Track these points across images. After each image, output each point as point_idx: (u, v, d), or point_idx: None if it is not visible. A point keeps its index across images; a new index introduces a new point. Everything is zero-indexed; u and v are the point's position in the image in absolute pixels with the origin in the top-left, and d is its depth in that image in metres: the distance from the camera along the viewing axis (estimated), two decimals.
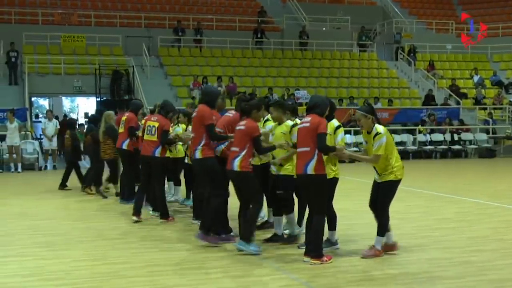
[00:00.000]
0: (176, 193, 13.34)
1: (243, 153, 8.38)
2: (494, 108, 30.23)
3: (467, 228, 10.25)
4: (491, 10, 37.79)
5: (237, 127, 8.56)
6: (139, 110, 12.97)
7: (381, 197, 8.19)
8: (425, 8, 38.86)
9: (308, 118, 8.02)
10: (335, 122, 8.48)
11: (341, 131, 8.44)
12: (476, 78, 32.56)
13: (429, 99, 29.21)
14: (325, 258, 7.87)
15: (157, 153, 10.69)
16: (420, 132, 26.22)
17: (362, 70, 31.95)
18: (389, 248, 8.39)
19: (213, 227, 8.91)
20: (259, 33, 31.47)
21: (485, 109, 29.89)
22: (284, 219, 9.19)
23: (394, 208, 12.30)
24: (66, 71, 27.21)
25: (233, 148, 8.51)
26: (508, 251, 8.56)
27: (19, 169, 20.84)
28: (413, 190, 14.70)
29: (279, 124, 9.04)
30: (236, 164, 8.36)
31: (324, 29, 34.35)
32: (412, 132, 26.49)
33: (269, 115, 9.32)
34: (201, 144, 9.00)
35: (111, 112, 14.07)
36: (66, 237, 9.58)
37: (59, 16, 29.73)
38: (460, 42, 35.01)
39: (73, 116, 36.79)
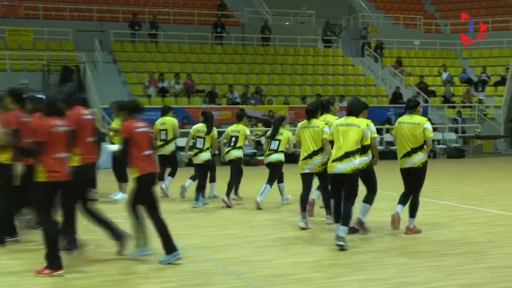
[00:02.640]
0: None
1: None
2: (463, 107, 30.73)
3: (435, 232, 10.42)
4: (460, 5, 38.39)
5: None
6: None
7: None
8: (393, 2, 39.31)
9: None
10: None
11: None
12: (444, 76, 33.08)
13: (396, 97, 29.58)
14: None
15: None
16: (387, 131, 26.52)
17: (327, 67, 32.19)
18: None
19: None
20: (219, 27, 31.46)
21: (454, 107, 30.37)
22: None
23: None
24: (11, 67, 26.85)
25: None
26: (478, 255, 8.74)
27: None
28: (381, 193, 14.87)
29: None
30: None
31: (287, 23, 34.52)
32: (379, 131, 26.76)
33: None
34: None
35: None
36: None
37: (4, 8, 29.31)
38: (428, 38, 35.61)
39: None
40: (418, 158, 9.96)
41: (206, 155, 13.47)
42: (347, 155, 9.18)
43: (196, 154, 13.49)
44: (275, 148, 12.93)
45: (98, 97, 24.26)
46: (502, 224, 11.11)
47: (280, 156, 13.00)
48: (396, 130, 10.27)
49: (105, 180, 14.60)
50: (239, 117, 14.25)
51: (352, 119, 9.43)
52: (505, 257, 8.55)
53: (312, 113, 10.70)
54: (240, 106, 25.65)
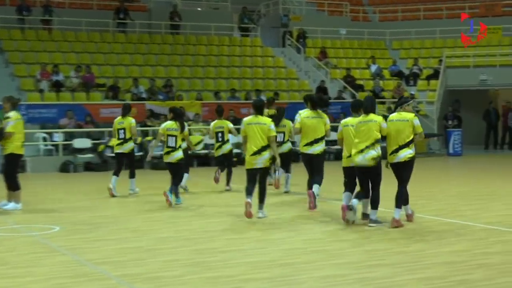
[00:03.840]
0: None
1: None
2: (394, 102, 31.34)
3: (365, 240, 10.60)
4: None
5: None
6: None
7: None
8: None
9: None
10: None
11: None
12: (373, 68, 33.73)
13: (321, 91, 29.94)
14: None
15: None
16: None
17: (244, 58, 32.31)
18: None
19: None
20: (122, 13, 31.13)
21: (383, 103, 30.96)
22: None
23: (282, 219, 12.57)
24: None
25: None
26: (411, 265, 8.92)
27: None
28: (303, 198, 15.06)
29: None
30: None
31: (199, 9, 34.52)
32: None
33: None
34: None
35: None
36: None
37: None
38: (355, 27, 36.22)
39: None
40: (405, 154, 11.53)
41: (179, 154, 14.57)
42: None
43: (168, 153, 14.60)
44: (281, 140, 15.91)
45: None
46: (435, 231, 11.39)
47: (289, 145, 16.35)
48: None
49: None
50: (220, 112, 17.39)
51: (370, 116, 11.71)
52: (440, 267, 8.75)
53: (259, 108, 12.48)
54: (175, 104, 25.47)
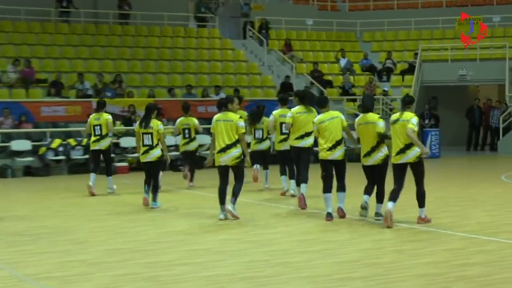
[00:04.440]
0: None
1: None
2: None
3: (334, 251, 10.66)
4: None
5: None
6: None
7: None
8: None
9: None
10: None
11: None
12: (343, 62, 33.88)
13: (286, 87, 29.95)
14: None
15: None
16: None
17: (201, 51, 32.27)
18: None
19: None
20: (65, 1, 30.93)
21: (354, 100, 31.13)
22: None
23: (248, 229, 12.58)
24: None
25: None
26: (383, 278, 8.98)
27: None
28: (267, 204, 15.08)
29: None
30: None
31: None
32: None
33: None
34: None
35: None
36: None
37: None
38: (323, 17, 36.37)
39: None
40: (413, 153, 12.73)
41: (157, 152, 15.45)
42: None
43: (146, 152, 15.43)
44: (260, 137, 17.88)
45: None
46: (411, 240, 11.48)
47: (268, 143, 18.16)
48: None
49: None
50: (186, 109, 19.14)
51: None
52: (416, 279, 8.82)
53: (225, 105, 13.48)
54: (125, 101, 25.34)
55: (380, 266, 9.64)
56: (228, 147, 13.18)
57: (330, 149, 13.28)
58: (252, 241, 11.51)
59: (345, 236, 11.96)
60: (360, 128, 13.17)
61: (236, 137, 13.20)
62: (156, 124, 15.43)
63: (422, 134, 30.07)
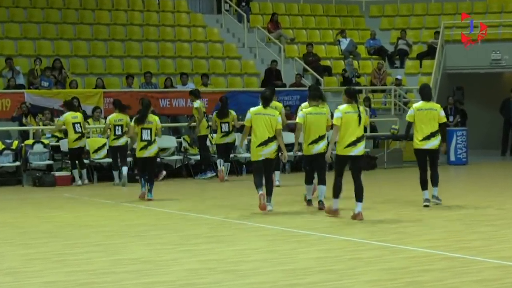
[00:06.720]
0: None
1: None
2: (373, 91, 31.67)
3: (287, 259, 11.38)
4: None
5: None
6: None
7: None
8: None
9: None
10: None
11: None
12: (344, 43, 33.95)
13: (272, 76, 30.03)
14: None
15: None
16: None
17: (164, 29, 32.30)
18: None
19: None
20: None
21: (360, 91, 31.19)
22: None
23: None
24: None
25: None
26: (337, 284, 9.45)
27: None
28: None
29: None
30: None
31: None
32: None
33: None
34: None
35: None
36: None
37: None
38: None
39: None
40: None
41: (155, 147, 19.42)
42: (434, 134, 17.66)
43: (145, 147, 19.24)
44: (227, 130, 23.40)
45: None
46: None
47: (234, 136, 23.63)
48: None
49: None
50: (117, 106, 22.97)
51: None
52: None
53: (271, 100, 17.83)
54: (68, 92, 25.35)
55: (334, 272, 9.76)
56: (270, 139, 16.78)
57: (312, 143, 17.20)
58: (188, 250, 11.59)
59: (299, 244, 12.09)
60: (419, 113, 17.54)
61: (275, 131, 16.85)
62: (155, 119, 19.33)
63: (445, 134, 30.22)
